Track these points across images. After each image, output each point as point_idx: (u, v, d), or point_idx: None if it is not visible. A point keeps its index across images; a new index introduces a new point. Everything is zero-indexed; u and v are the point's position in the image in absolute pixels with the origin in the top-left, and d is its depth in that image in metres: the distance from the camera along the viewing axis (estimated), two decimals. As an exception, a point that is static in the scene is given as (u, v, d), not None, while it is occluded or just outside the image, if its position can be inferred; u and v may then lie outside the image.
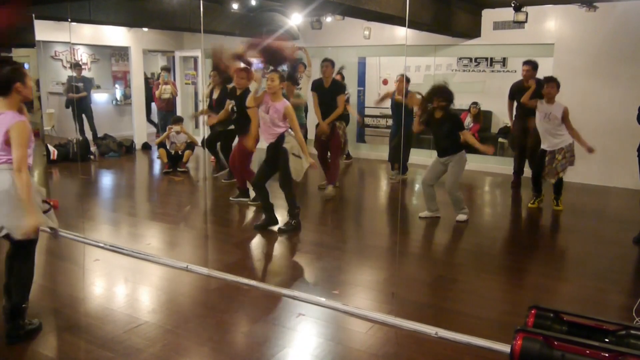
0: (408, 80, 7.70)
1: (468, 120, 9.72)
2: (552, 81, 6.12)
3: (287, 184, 5.42)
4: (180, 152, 8.78)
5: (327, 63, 7.06)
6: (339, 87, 7.18)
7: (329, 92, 7.01)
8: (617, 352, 2.54)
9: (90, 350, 3.19)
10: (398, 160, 7.86)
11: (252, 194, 6.81)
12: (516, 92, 7.13)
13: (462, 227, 5.86)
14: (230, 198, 6.81)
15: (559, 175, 6.09)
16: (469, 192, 7.36)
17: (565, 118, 6.00)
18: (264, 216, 5.66)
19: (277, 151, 5.33)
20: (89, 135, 10.31)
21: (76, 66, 10.55)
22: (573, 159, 6.08)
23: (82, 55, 12.16)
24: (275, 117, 5.25)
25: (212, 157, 9.65)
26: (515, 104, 7.23)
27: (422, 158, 8.91)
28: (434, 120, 5.79)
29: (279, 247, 5.32)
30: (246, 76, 6.07)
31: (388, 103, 8.09)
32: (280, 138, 5.30)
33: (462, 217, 5.90)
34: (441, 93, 5.66)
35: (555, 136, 6.08)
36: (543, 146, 6.21)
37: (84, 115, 10.20)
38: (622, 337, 2.71)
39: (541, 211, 6.55)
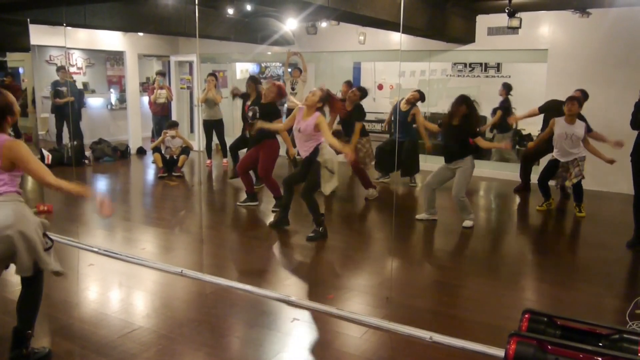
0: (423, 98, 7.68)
1: None
2: (574, 99, 6.11)
3: (309, 194, 5.46)
4: (175, 157, 8.77)
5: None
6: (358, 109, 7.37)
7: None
8: (611, 356, 2.55)
9: (84, 355, 3.17)
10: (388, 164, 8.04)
11: (244, 196, 6.82)
12: (550, 108, 6.89)
13: (457, 231, 5.87)
14: (237, 203, 6.80)
15: (573, 181, 6.14)
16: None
17: (585, 137, 6.09)
18: (274, 215, 5.88)
19: (310, 164, 5.43)
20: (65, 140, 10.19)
21: (60, 69, 10.46)
22: (582, 171, 6.18)
23: (77, 59, 12.14)
24: (309, 132, 5.31)
25: (209, 161, 9.68)
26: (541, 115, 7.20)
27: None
28: (448, 126, 5.81)
29: (274, 252, 5.32)
30: (276, 91, 6.29)
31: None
32: (315, 151, 5.39)
33: (468, 223, 5.88)
34: (467, 102, 5.70)
35: (572, 151, 6.15)
36: (556, 156, 6.27)
37: (66, 121, 10.12)
38: (616, 341, 2.72)
39: (540, 215, 6.57)
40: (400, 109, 7.60)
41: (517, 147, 9.74)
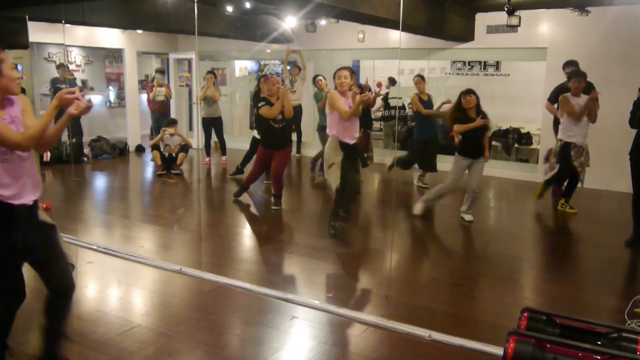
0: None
1: None
2: (579, 76, 6.13)
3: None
4: (174, 155, 8.76)
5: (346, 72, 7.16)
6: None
7: None
8: (609, 355, 2.55)
9: (82, 353, 3.17)
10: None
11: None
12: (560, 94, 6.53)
13: (455, 229, 5.87)
14: (273, 207, 6.48)
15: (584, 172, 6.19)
16: (462, 195, 7.38)
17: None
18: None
19: (357, 152, 5.43)
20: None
21: (60, 66, 10.39)
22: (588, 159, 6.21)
23: (76, 57, 12.12)
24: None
25: (207, 159, 9.66)
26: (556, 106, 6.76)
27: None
28: (468, 120, 5.76)
29: (273, 250, 5.32)
30: (278, 82, 6.35)
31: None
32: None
33: (470, 217, 6.02)
34: (468, 90, 5.76)
35: (584, 129, 6.09)
36: (571, 140, 6.11)
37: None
38: (614, 340, 2.72)
39: (538, 214, 6.57)
40: (422, 100, 7.50)
41: (516, 145, 9.74)
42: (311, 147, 10.38)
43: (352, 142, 5.25)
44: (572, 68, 6.69)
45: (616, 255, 5.13)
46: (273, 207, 6.44)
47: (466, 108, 5.74)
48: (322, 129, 8.10)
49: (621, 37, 7.38)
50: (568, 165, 6.15)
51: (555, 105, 6.71)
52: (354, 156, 5.41)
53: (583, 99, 6.09)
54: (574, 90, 6.12)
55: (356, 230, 6.06)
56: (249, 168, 8.29)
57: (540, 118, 8.38)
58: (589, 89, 6.30)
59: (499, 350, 3.01)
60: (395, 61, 9.58)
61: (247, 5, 7.87)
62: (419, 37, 8.19)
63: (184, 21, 8.16)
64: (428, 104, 7.57)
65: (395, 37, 8.87)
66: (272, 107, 6.17)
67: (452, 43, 8.69)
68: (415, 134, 7.87)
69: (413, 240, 5.73)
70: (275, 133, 6.31)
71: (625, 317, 3.63)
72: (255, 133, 7.70)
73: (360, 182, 5.57)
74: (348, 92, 5.22)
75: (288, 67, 9.50)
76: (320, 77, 8.27)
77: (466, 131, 5.78)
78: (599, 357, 2.55)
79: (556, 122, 6.71)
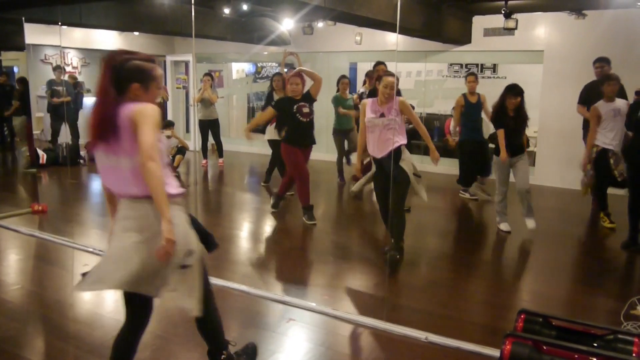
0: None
1: None
2: (614, 79, 5.72)
3: (401, 209, 4.80)
4: (170, 157, 8.75)
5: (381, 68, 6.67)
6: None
7: None
8: (605, 357, 2.56)
9: (78, 356, 3.16)
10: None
11: (244, 199, 6.80)
12: (592, 94, 6.02)
13: (452, 232, 5.88)
14: (308, 222, 5.95)
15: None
16: (455, 197, 7.39)
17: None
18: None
19: (396, 169, 4.51)
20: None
21: (57, 68, 10.37)
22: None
23: (73, 59, 12.10)
24: (391, 118, 4.57)
25: (204, 161, 9.65)
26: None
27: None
28: (508, 118, 5.47)
29: (269, 252, 5.31)
30: (301, 82, 5.81)
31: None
32: (398, 152, 4.59)
33: (532, 223, 5.63)
34: (516, 89, 5.46)
35: (620, 135, 5.68)
36: (610, 147, 5.67)
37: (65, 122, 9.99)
38: (610, 342, 2.72)
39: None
40: (470, 102, 7.00)
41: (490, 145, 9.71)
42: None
43: (378, 155, 4.65)
44: (603, 64, 6.32)
45: (612, 257, 5.14)
46: (308, 222, 5.95)
47: (508, 108, 5.46)
48: (336, 132, 8.00)
49: (618, 41, 7.41)
50: (607, 173, 5.75)
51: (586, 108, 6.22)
52: (383, 172, 4.61)
53: (618, 102, 5.72)
54: (607, 93, 5.69)
55: (353, 232, 6.06)
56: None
57: (537, 121, 8.40)
58: (620, 91, 5.98)
59: (495, 352, 3.01)
60: (392, 64, 9.59)
61: (245, 7, 7.88)
62: (416, 39, 8.22)
63: (181, 23, 8.17)
64: (475, 106, 7.02)
65: (393, 39, 8.89)
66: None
67: (449, 46, 8.72)
68: (461, 138, 7.25)
69: (409, 243, 5.72)
70: (303, 127, 5.82)
71: (621, 319, 3.64)
72: (269, 136, 7.26)
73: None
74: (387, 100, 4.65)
75: (285, 70, 9.50)
76: (345, 80, 8.11)
77: (506, 125, 5.46)
78: (595, 359, 2.56)
79: (586, 124, 6.36)
